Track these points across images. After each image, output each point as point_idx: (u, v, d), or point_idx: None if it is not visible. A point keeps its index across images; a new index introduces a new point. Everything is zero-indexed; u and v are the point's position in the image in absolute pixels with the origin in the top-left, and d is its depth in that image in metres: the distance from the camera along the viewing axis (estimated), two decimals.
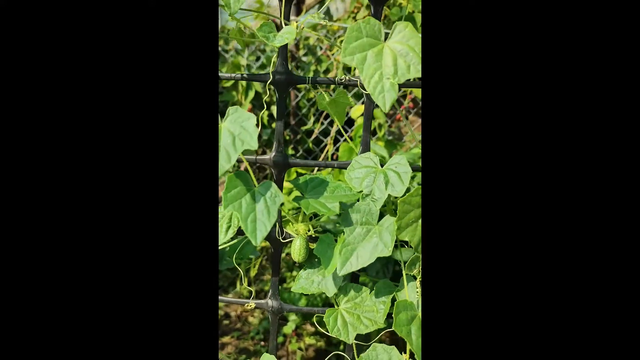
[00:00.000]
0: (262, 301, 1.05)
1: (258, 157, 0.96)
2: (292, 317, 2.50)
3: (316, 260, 0.98)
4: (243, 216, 0.76)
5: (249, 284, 2.66)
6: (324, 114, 2.93)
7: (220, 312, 2.64)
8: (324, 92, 0.97)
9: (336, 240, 0.92)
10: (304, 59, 3.25)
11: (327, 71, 3.03)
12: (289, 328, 2.44)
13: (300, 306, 1.06)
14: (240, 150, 0.74)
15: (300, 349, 2.42)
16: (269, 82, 0.89)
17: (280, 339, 2.41)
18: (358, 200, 0.91)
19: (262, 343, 2.40)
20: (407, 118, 3.13)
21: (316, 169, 2.09)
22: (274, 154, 0.96)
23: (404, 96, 2.93)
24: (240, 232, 0.94)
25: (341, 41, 0.77)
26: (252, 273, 2.56)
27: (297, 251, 0.95)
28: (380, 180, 0.90)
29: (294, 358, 2.33)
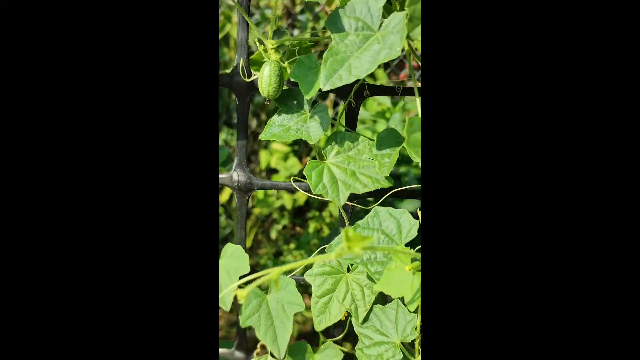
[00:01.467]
0: (225, 175, 0.78)
1: None
2: None
3: (295, 102, 0.71)
4: None
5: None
6: None
7: None
8: None
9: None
10: (301, 17, 3.01)
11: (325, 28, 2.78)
12: None
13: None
14: None
15: (297, 322, 2.15)
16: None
17: None
18: None
19: None
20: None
21: None
22: None
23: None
24: None
25: None
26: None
27: (265, 81, 0.67)
28: None
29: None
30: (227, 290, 0.67)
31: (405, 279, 0.58)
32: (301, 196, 2.26)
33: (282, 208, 2.40)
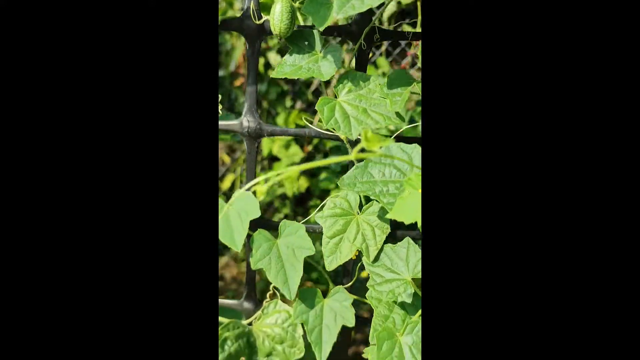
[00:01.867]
0: (235, 122, 0.78)
1: None
2: None
3: (306, 43, 0.72)
4: None
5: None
6: None
7: None
8: None
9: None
10: None
11: None
12: None
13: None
14: None
15: None
16: None
17: None
18: None
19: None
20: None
21: None
22: None
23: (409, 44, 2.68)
24: None
25: None
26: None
27: (277, 18, 0.68)
28: None
29: None
30: (233, 200, 0.67)
31: (417, 204, 0.58)
32: (302, 184, 2.25)
33: (283, 196, 2.39)
